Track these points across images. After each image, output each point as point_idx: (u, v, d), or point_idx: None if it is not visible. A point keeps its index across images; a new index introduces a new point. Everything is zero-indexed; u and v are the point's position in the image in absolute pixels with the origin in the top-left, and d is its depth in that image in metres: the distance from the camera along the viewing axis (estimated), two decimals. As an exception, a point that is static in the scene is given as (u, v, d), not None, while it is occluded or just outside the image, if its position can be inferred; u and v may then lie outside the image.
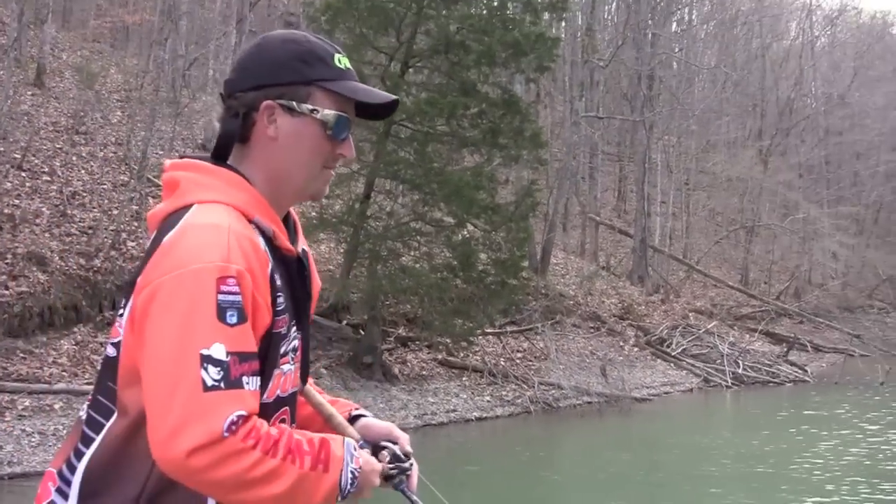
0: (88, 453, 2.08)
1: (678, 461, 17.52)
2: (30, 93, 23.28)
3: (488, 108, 20.88)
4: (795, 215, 48.71)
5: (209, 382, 1.91)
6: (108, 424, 2.09)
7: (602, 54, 40.23)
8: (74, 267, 17.41)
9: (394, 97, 2.36)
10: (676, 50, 47.12)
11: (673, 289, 38.38)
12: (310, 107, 2.20)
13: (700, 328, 32.50)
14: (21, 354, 15.41)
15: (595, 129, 41.67)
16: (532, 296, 27.23)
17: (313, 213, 21.17)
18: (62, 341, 16.31)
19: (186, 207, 2.10)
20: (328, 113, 2.21)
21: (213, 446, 1.89)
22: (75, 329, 16.67)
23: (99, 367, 2.18)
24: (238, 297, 1.99)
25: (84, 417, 2.15)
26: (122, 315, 2.13)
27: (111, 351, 2.12)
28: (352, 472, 2.11)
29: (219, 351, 1.94)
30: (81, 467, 2.08)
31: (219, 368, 1.93)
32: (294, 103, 2.19)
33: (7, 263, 16.45)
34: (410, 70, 21.27)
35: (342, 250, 21.63)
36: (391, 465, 2.33)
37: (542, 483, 15.88)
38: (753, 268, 47.17)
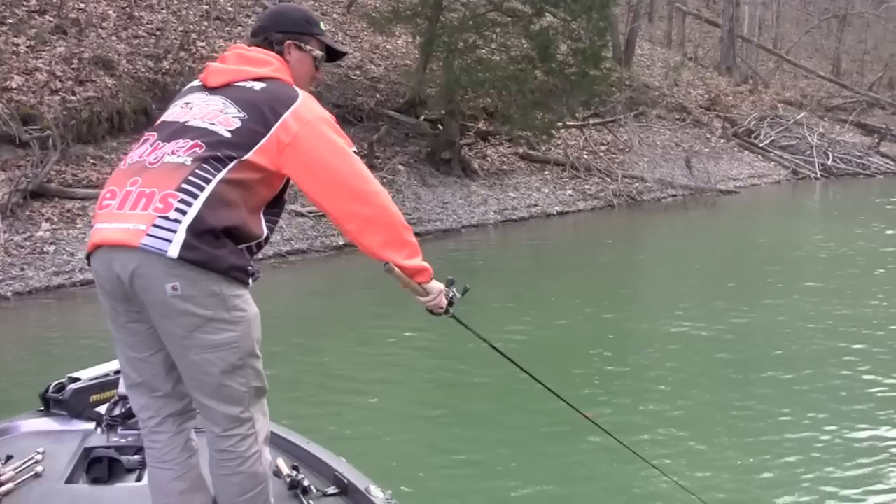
0: (214, 181, 3.01)
1: (769, 248, 17.00)
2: None
3: None
4: (890, 3, 46.79)
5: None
6: (225, 169, 3.04)
7: None
8: (143, 70, 17.06)
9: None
10: None
11: (762, 79, 37.41)
12: (310, 48, 3.54)
13: (789, 119, 31.67)
14: (91, 161, 15.19)
15: (680, -87, 39.97)
16: (615, 87, 26.57)
17: (388, 7, 20.54)
18: (132, 146, 16.03)
19: (284, 82, 3.34)
20: (318, 53, 3.57)
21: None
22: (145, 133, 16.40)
23: (207, 139, 3.12)
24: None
25: (193, 166, 3.05)
26: (237, 115, 3.18)
27: (225, 133, 3.12)
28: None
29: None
30: (208, 190, 2.99)
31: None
32: (302, 45, 3.52)
33: (73, 69, 16.10)
34: None
35: (417, 44, 21.03)
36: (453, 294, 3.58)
37: (629, 270, 15.55)
38: (845, 58, 45.75)
